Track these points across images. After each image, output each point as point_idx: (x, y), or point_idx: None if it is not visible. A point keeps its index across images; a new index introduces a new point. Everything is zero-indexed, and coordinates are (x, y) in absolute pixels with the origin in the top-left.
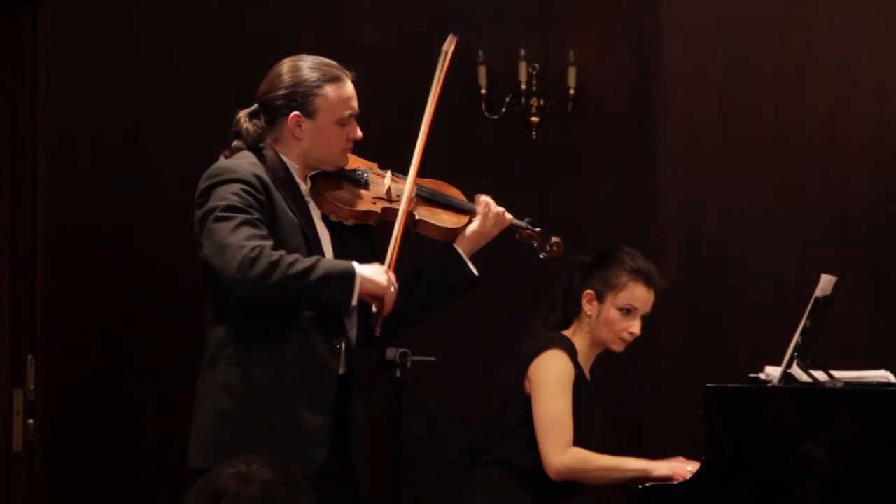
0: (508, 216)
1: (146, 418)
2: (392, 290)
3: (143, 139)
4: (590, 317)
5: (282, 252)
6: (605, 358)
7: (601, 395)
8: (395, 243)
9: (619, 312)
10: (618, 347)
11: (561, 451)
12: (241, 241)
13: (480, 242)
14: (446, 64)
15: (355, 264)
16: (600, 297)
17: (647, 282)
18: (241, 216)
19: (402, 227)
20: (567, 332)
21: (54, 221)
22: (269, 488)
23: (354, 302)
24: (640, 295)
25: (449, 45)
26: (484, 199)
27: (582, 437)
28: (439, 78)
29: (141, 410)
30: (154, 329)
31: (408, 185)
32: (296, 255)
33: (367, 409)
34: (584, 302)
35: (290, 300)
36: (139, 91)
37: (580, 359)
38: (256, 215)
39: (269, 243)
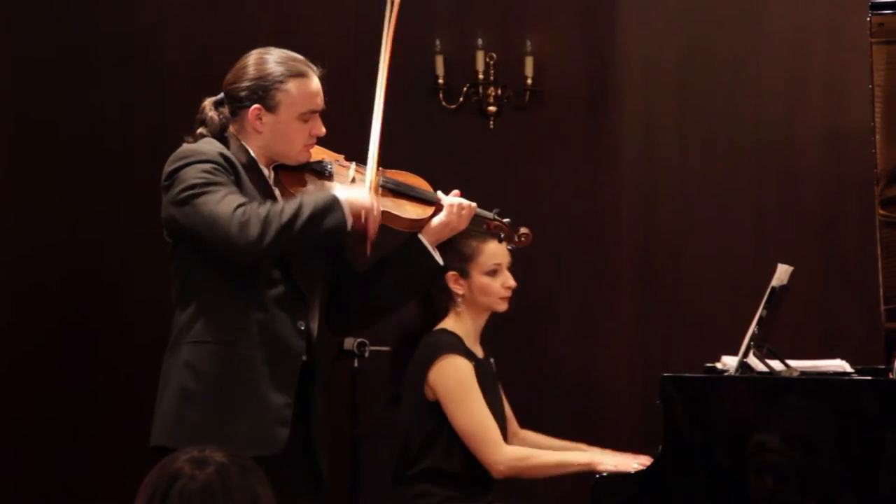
0: (475, 207)
1: (97, 405)
2: (374, 207)
3: (100, 126)
4: (462, 295)
5: (266, 205)
6: (561, 349)
7: (493, 364)
8: (375, 168)
9: (488, 276)
10: (502, 307)
11: (497, 451)
12: (230, 210)
13: (445, 234)
14: (394, 16)
15: (335, 189)
16: (463, 273)
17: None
18: (223, 188)
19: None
20: (447, 323)
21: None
22: (224, 470)
23: (350, 222)
24: (495, 251)
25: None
26: (453, 193)
27: (497, 421)
28: (389, 33)
29: (92, 397)
30: (110, 314)
31: (369, 171)
32: (280, 204)
33: (325, 399)
34: (451, 285)
35: (293, 246)
36: (97, 77)
37: (468, 343)
38: (233, 187)
39: (255, 203)
